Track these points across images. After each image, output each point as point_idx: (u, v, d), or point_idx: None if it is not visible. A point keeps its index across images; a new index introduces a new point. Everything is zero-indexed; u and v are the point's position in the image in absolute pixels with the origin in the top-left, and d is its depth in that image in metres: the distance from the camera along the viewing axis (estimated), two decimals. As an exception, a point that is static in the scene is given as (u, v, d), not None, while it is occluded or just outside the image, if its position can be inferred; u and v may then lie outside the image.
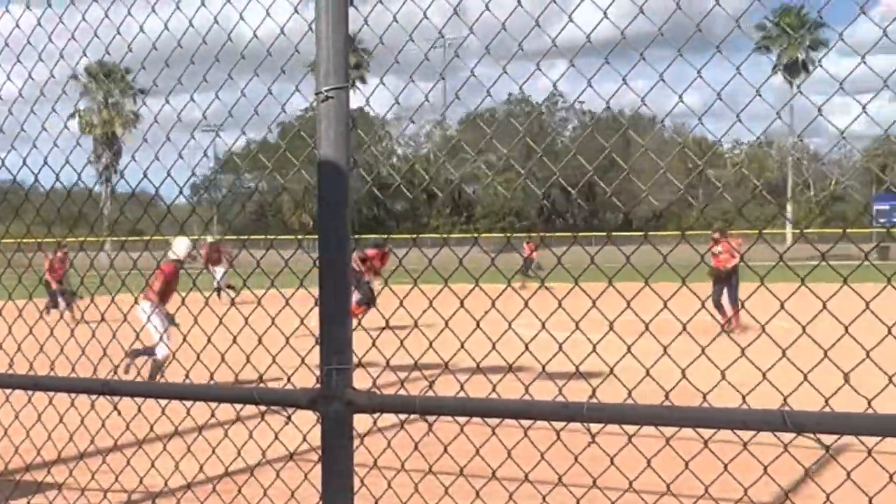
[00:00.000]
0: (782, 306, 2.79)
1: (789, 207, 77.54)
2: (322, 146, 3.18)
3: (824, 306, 2.73)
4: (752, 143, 78.33)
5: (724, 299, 18.57)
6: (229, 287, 26.07)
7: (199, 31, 3.69)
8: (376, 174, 78.40)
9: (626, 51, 3.01)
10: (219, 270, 28.64)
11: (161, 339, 12.16)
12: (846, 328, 2.73)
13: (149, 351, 12.70)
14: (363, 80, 71.55)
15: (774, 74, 73.23)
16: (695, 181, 73.17)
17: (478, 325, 3.23)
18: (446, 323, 3.25)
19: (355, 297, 20.80)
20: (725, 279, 18.58)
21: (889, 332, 2.71)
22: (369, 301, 19.47)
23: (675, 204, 73.95)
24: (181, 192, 4.09)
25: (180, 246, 13.23)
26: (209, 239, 23.38)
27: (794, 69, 76.59)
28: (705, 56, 2.92)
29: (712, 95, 2.90)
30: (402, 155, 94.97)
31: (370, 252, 21.34)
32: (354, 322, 3.27)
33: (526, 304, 3.22)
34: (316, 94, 3.18)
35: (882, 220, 63.98)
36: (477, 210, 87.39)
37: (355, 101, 3.35)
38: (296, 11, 3.47)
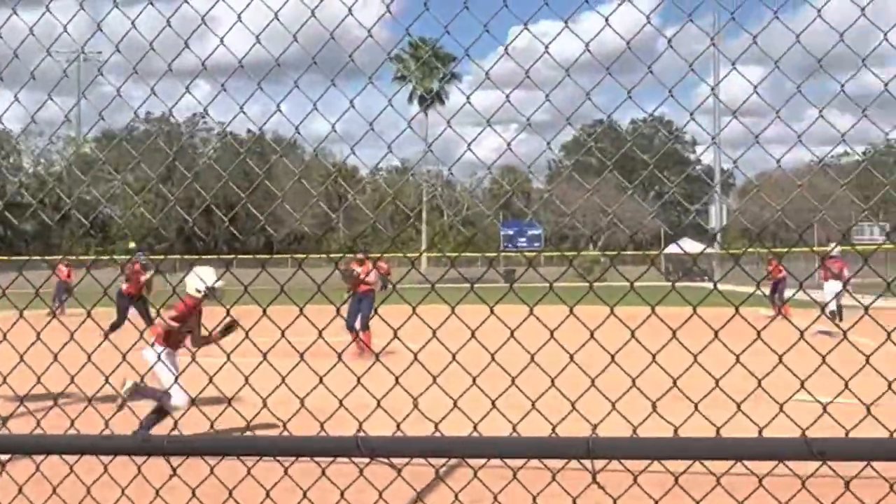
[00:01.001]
0: (434, 332, 2.85)
1: (424, 230, 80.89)
2: None
3: (473, 334, 2.82)
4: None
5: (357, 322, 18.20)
6: None
7: None
8: (3, 192, 73.42)
9: (274, 75, 3.01)
10: None
11: (177, 384, 9.12)
12: (493, 356, 2.86)
13: (157, 395, 9.72)
14: (-13, 91, 66.67)
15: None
16: (336, 205, 74.68)
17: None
18: (89, 355, 3.10)
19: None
20: (357, 301, 18.16)
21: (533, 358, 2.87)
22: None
23: (316, 227, 74.82)
24: None
25: (207, 275, 9.80)
26: None
27: (429, 99, 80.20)
28: (344, 81, 2.98)
29: (350, 121, 2.97)
30: (31, 172, 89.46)
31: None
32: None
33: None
34: None
35: (507, 245, 68.34)
36: (113, 231, 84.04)
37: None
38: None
